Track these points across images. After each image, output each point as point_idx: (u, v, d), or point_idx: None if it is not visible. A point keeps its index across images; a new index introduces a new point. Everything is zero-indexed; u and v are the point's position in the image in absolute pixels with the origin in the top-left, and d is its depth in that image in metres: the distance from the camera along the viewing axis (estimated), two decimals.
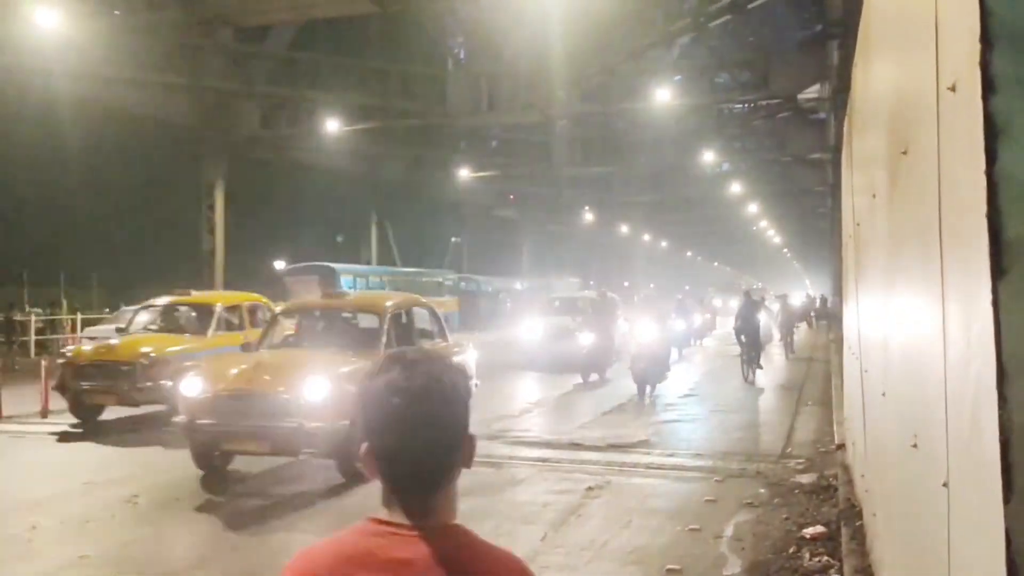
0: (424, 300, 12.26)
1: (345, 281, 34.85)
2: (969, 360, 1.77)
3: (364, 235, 41.45)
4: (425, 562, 1.34)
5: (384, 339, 9.56)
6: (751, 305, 19.59)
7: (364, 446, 1.39)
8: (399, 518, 1.39)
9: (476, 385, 10.69)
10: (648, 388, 15.41)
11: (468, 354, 11.84)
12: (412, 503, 1.39)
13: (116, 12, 22.21)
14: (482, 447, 9.03)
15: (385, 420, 1.37)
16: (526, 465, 9.38)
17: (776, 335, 26.09)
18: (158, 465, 9.56)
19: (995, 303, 1.53)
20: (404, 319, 10.83)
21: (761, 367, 18.78)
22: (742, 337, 18.61)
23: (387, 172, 40.36)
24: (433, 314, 11.71)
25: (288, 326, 11.58)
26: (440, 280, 42.84)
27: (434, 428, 1.38)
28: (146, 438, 11.10)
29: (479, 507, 7.59)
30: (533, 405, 15.16)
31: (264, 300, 15.55)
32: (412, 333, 10.79)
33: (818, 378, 18.59)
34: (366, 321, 10.84)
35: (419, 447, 1.37)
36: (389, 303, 10.49)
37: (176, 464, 9.10)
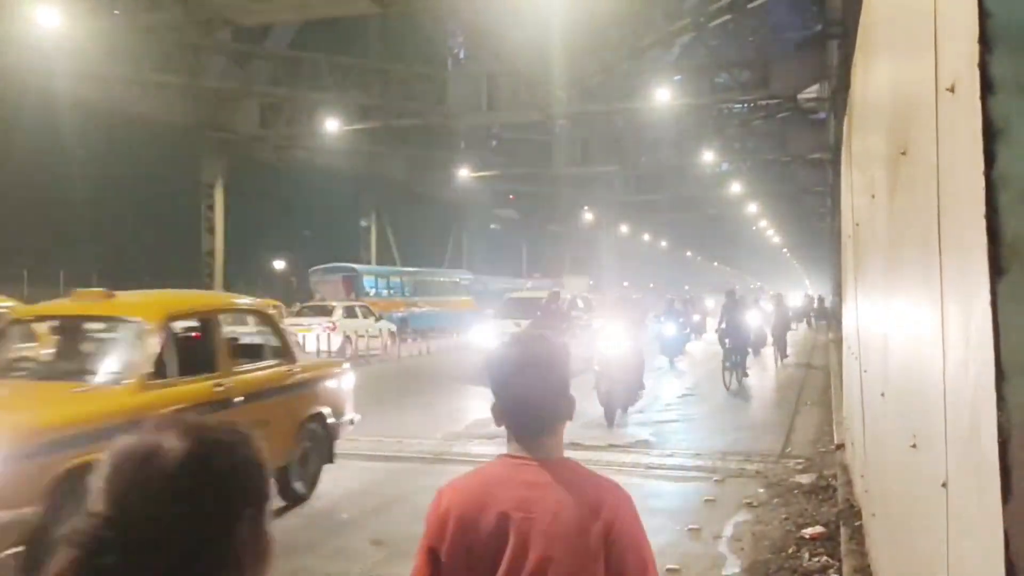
0: (246, 303, 8.86)
1: (368, 281, 35.92)
2: (968, 361, 1.77)
3: (364, 234, 41.46)
4: (546, 481, 1.83)
5: (148, 363, 6.21)
6: (735, 305, 18.28)
7: (493, 402, 1.92)
8: (522, 454, 1.88)
9: (352, 422, 8.53)
10: (618, 411, 12.47)
11: (332, 381, 8.44)
12: (530, 443, 1.89)
13: (116, 12, 22.18)
14: (482, 448, 8.99)
15: (506, 384, 1.89)
16: None
17: (769, 338, 23.83)
18: None
19: (994, 304, 1.53)
20: (204, 332, 7.25)
21: (747, 375, 17.57)
22: (726, 341, 17.33)
23: (387, 172, 40.37)
24: (271, 324, 8.31)
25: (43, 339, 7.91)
26: (457, 280, 43.71)
27: (541, 390, 1.86)
28: None
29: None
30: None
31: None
32: (216, 352, 6.99)
33: (815, 388, 17.28)
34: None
35: (531, 404, 1.87)
36: (167, 310, 6.86)
37: None
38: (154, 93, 26.57)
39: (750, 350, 19.20)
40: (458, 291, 42.22)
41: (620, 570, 1.80)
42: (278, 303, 25.86)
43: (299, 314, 24.46)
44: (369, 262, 40.83)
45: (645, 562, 1.88)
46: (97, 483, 1.02)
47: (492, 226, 55.80)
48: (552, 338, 2.01)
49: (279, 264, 45.02)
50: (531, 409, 1.87)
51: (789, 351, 23.13)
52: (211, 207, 31.21)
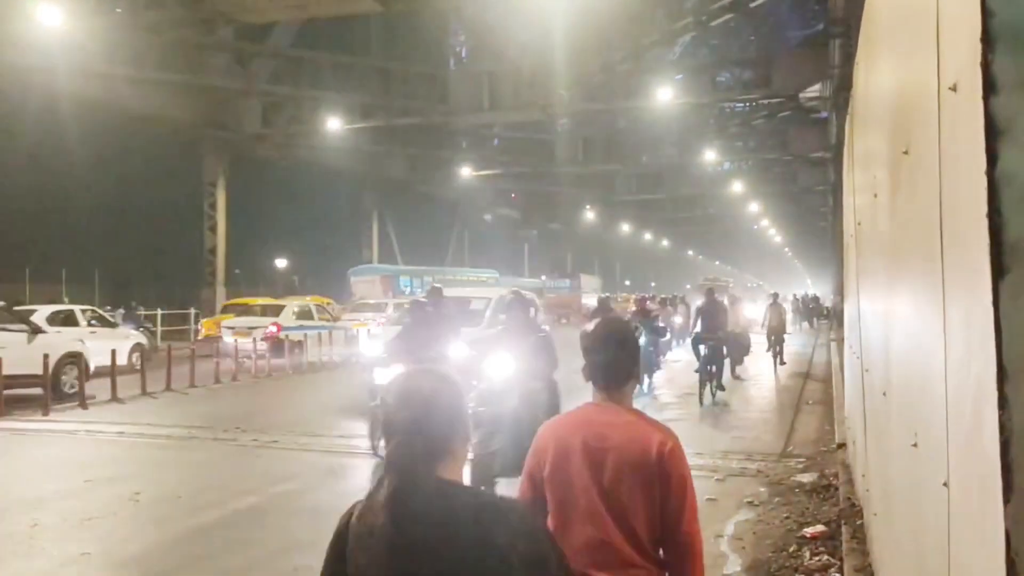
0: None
1: (404, 280, 38.73)
2: (969, 360, 1.77)
3: (366, 233, 41.48)
4: (620, 422, 2.50)
5: None
6: (715, 306, 15.89)
7: (584, 364, 2.58)
8: (603, 403, 2.56)
9: None
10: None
11: None
12: (608, 395, 2.56)
13: (118, 10, 22.21)
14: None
15: (591, 351, 2.59)
16: None
17: (765, 343, 20.71)
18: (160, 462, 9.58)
19: (995, 303, 1.53)
20: None
21: (723, 388, 15.13)
22: (700, 348, 14.91)
23: (389, 170, 40.41)
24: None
25: None
26: (484, 278, 45.79)
27: (616, 355, 2.57)
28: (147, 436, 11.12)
29: None
30: None
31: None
32: None
33: (816, 388, 17.03)
34: None
35: (608, 366, 2.57)
36: None
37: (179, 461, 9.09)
38: (156, 91, 26.59)
39: (728, 360, 16.41)
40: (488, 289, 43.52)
41: (666, 487, 2.41)
42: (331, 301, 28.87)
43: (355, 310, 27.24)
44: (370, 260, 40.91)
45: (685, 484, 2.43)
46: (390, 396, 1.81)
47: (486, 217, 55.73)
48: (623, 320, 3.20)
49: (281, 262, 45.04)
50: (609, 371, 2.57)
51: (787, 358, 20.93)
52: (213, 205, 31.24)
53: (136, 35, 22.72)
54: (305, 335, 21.75)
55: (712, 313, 15.48)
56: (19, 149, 28.83)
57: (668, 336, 20.18)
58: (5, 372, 12.84)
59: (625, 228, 63.94)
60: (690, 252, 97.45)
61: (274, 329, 21.15)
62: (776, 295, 22.53)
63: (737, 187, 44.66)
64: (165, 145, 32.75)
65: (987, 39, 1.56)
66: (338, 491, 8.24)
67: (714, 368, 14.68)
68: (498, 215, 55.87)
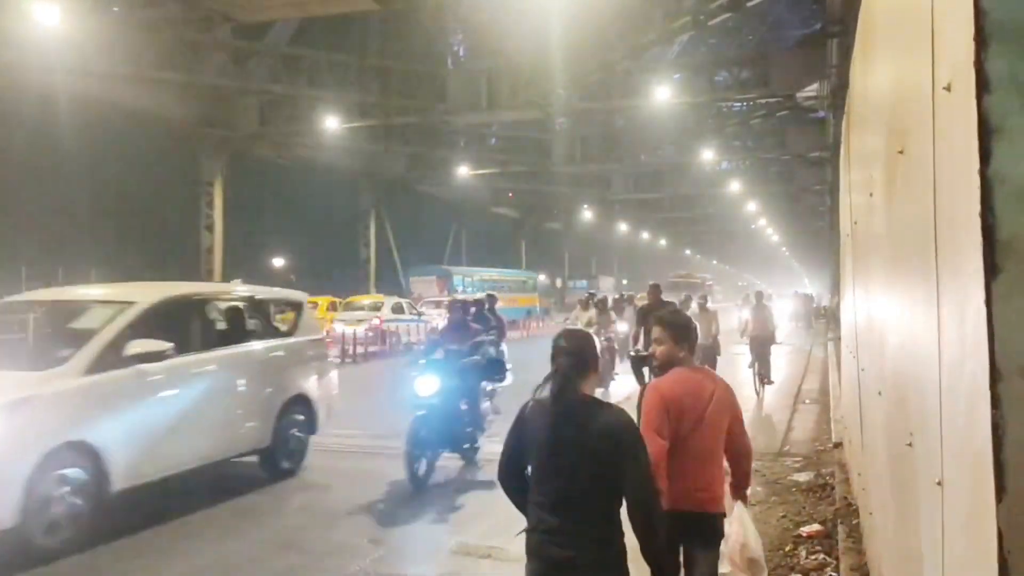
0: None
1: (457, 280, 43.09)
2: (963, 359, 1.77)
3: (363, 231, 41.47)
4: (705, 377, 3.87)
5: None
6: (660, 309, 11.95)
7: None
8: (690, 369, 3.83)
9: None
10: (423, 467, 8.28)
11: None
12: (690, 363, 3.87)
13: (115, 8, 22.18)
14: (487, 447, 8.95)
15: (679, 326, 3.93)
16: None
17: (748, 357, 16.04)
18: None
19: (988, 302, 1.53)
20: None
21: None
22: (643, 369, 10.02)
23: (386, 169, 40.39)
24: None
25: None
26: (525, 279, 51.26)
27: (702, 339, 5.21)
28: None
29: (478, 504, 7.60)
30: None
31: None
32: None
33: (813, 388, 16.17)
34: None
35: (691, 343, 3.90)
36: None
37: None
38: (153, 90, 26.56)
39: None
40: (525, 289, 49.09)
41: (736, 417, 3.88)
42: (336, 299, 31.27)
43: (422, 307, 32.08)
44: (368, 260, 40.94)
45: (741, 416, 3.95)
46: (560, 339, 3.18)
47: (491, 222, 55.88)
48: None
49: (278, 261, 45.03)
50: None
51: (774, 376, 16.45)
52: (210, 204, 31.21)
53: (133, 34, 22.68)
54: (398, 326, 27.10)
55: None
56: (15, 148, 28.77)
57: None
58: None
59: (623, 227, 63.95)
60: (688, 251, 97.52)
61: (377, 321, 26.74)
62: (761, 294, 17.91)
63: (735, 186, 44.68)
64: (162, 144, 32.70)
65: (980, 39, 1.56)
66: (337, 487, 8.24)
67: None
68: (496, 214, 55.88)
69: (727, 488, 3.89)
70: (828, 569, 5.71)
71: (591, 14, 22.20)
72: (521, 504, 3.16)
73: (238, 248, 34.85)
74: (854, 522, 6.17)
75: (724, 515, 3.76)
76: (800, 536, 6.50)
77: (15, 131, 27.69)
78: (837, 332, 16.47)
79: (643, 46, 23.11)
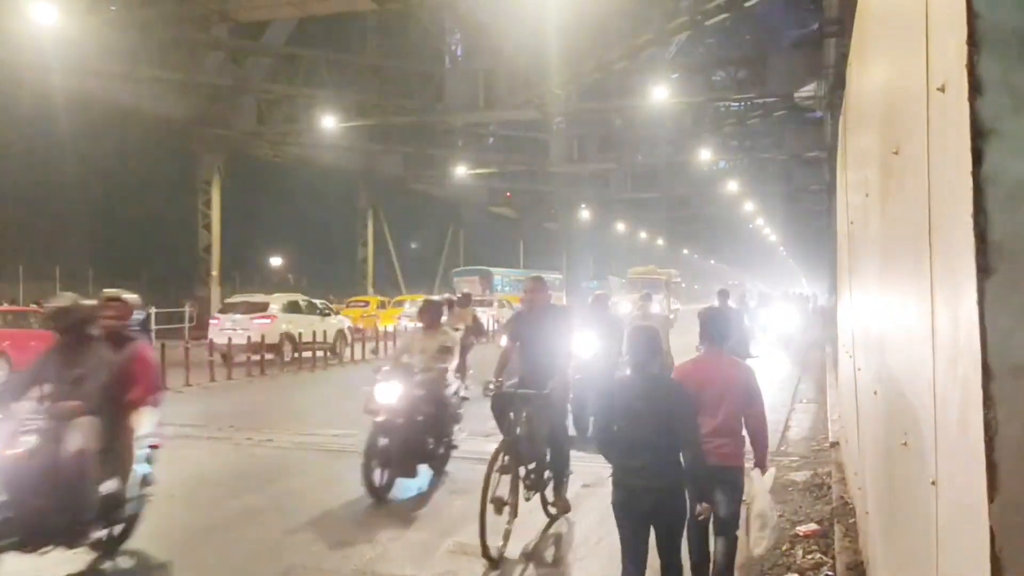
0: None
1: (497, 280, 44.75)
2: (956, 359, 1.78)
3: (361, 231, 41.50)
4: (723, 361, 4.98)
5: None
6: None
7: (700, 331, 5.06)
8: (710, 354, 5.05)
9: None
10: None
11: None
12: (713, 350, 5.05)
13: (113, 8, 22.16)
14: (477, 445, 8.97)
15: (706, 325, 5.07)
16: None
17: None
18: None
19: (981, 303, 1.54)
20: None
21: (554, 510, 7.13)
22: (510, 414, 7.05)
23: (384, 168, 40.41)
24: None
25: None
26: (553, 279, 51.09)
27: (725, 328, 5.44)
28: None
29: (472, 506, 7.60)
30: None
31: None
32: None
33: (810, 387, 17.25)
34: None
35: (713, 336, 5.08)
36: None
37: None
38: (150, 89, 26.56)
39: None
40: (553, 288, 49.43)
41: (752, 397, 4.85)
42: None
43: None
44: (365, 259, 40.99)
45: (761, 398, 4.92)
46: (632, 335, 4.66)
47: (489, 222, 55.98)
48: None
49: (276, 260, 45.02)
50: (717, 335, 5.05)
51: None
52: (207, 203, 31.20)
53: (131, 33, 22.66)
54: None
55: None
56: (12, 146, 28.74)
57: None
58: None
59: (620, 227, 63.97)
60: (685, 251, 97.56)
61: None
62: (725, 292, 15.31)
63: (732, 186, 44.71)
64: (159, 143, 32.66)
65: (973, 41, 1.57)
66: (335, 487, 8.24)
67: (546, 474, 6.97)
68: (494, 213, 55.87)
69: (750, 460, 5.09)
70: (825, 568, 5.72)
71: (589, 14, 22.21)
72: (608, 452, 4.48)
73: (235, 247, 34.83)
74: (851, 521, 6.18)
75: (742, 468, 4.91)
76: (797, 535, 6.51)
77: (11, 129, 27.64)
78: (834, 332, 16.51)
79: (640, 46, 23.09)
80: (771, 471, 5.50)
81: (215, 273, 31.13)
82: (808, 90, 26.37)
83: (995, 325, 1.52)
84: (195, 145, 31.08)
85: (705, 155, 37.57)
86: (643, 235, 71.61)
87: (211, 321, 22.28)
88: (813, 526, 6.67)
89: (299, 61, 27.73)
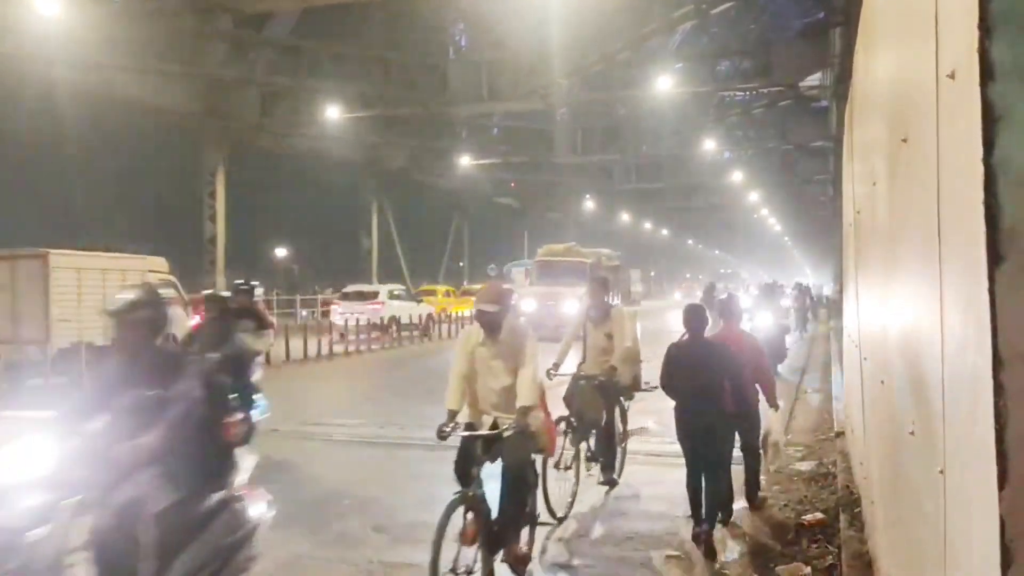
0: None
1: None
2: (966, 348, 1.77)
3: (365, 222, 41.49)
4: (740, 332, 7.18)
5: None
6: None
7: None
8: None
9: None
10: None
11: None
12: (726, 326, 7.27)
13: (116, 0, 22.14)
14: None
15: (724, 305, 7.63)
16: None
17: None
18: None
19: (992, 291, 1.53)
20: None
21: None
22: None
23: (388, 160, 40.35)
24: None
25: None
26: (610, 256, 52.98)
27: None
28: None
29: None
30: None
31: None
32: None
33: (816, 376, 17.74)
34: None
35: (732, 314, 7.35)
36: None
37: None
38: (154, 81, 26.50)
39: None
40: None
41: (760, 357, 6.92)
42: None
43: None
44: (370, 250, 41.04)
45: (765, 357, 7.12)
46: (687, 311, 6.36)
47: (493, 212, 55.94)
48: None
49: (280, 252, 45.07)
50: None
51: None
52: (212, 195, 31.19)
53: (134, 24, 22.62)
54: None
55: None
56: (16, 139, 28.76)
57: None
58: None
59: (624, 217, 63.89)
60: (690, 241, 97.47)
61: None
62: (689, 285, 12.39)
63: (737, 176, 44.59)
64: (163, 135, 32.68)
65: (984, 26, 1.55)
66: (341, 477, 8.25)
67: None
68: (498, 204, 55.83)
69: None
70: (830, 557, 5.73)
71: (592, 4, 22.13)
72: (670, 394, 6.28)
73: (240, 238, 34.85)
74: (856, 511, 6.18)
75: (758, 408, 6.94)
76: (803, 524, 6.52)
77: (15, 121, 27.66)
78: (839, 321, 16.48)
79: (645, 36, 23.03)
80: (781, 406, 7.35)
81: (220, 264, 31.14)
82: (813, 79, 26.27)
83: (1005, 313, 1.51)
84: (199, 137, 31.04)
85: (709, 146, 37.45)
86: (647, 225, 71.51)
87: (332, 307, 27.42)
88: (819, 515, 6.67)
89: (302, 53, 27.67)
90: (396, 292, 28.63)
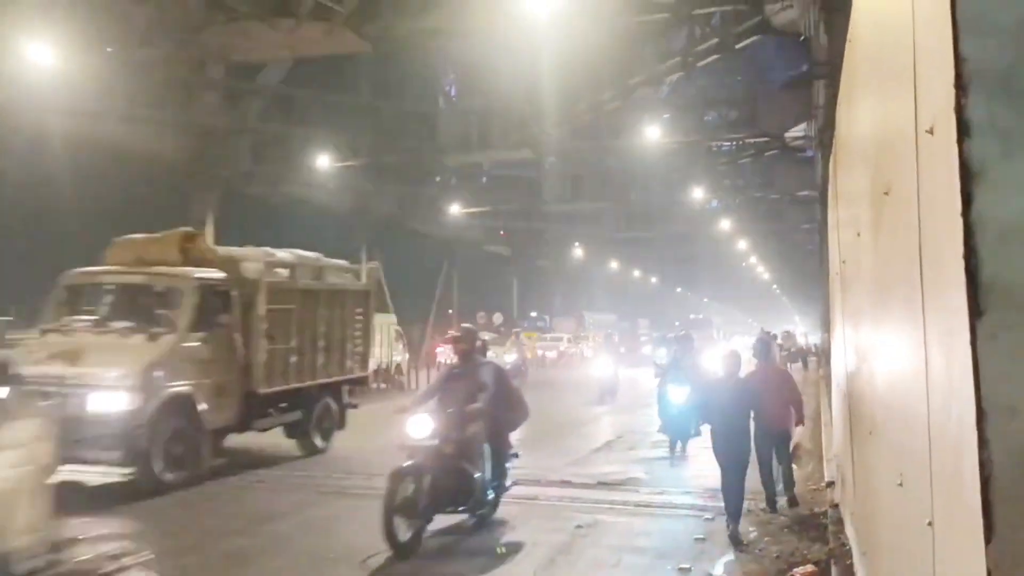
0: None
1: (587, 320, 58.17)
2: (950, 400, 1.78)
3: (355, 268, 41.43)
4: (774, 368, 10.03)
5: None
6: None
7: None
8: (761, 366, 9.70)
9: None
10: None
11: None
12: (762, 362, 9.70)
13: (109, 49, 22.31)
14: None
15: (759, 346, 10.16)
16: (514, 503, 9.12)
17: None
18: None
19: (973, 343, 1.54)
20: None
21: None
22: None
23: (378, 207, 40.46)
24: None
25: None
26: (607, 320, 60.66)
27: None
28: None
29: (468, 546, 7.51)
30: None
31: None
32: None
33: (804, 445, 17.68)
34: None
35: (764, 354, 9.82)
36: None
37: None
38: (146, 129, 26.63)
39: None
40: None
41: (793, 388, 9.05)
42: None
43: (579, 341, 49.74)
44: None
45: (797, 387, 9.26)
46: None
47: (483, 260, 55.98)
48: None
49: None
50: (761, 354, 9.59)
51: None
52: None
53: (127, 73, 22.76)
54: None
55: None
56: (7, 186, 28.76)
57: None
58: None
59: (614, 265, 64.15)
60: (679, 289, 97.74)
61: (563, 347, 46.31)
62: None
63: (725, 225, 44.93)
64: (155, 182, 32.71)
65: (960, 84, 1.59)
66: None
67: None
68: (488, 252, 55.98)
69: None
70: None
71: (582, 55, 22.45)
72: (708, 421, 8.13)
73: None
74: (848, 562, 6.13)
75: (791, 428, 8.84)
76: None
77: (5, 170, 27.68)
78: (827, 370, 16.48)
79: (633, 86, 23.35)
80: (806, 426, 9.92)
81: None
82: (799, 130, 26.63)
83: (988, 365, 1.53)
84: (190, 184, 31.12)
85: (698, 194, 37.78)
86: (636, 273, 71.75)
87: (437, 349, 32.27)
88: (810, 567, 6.61)
89: (294, 101, 27.92)
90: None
